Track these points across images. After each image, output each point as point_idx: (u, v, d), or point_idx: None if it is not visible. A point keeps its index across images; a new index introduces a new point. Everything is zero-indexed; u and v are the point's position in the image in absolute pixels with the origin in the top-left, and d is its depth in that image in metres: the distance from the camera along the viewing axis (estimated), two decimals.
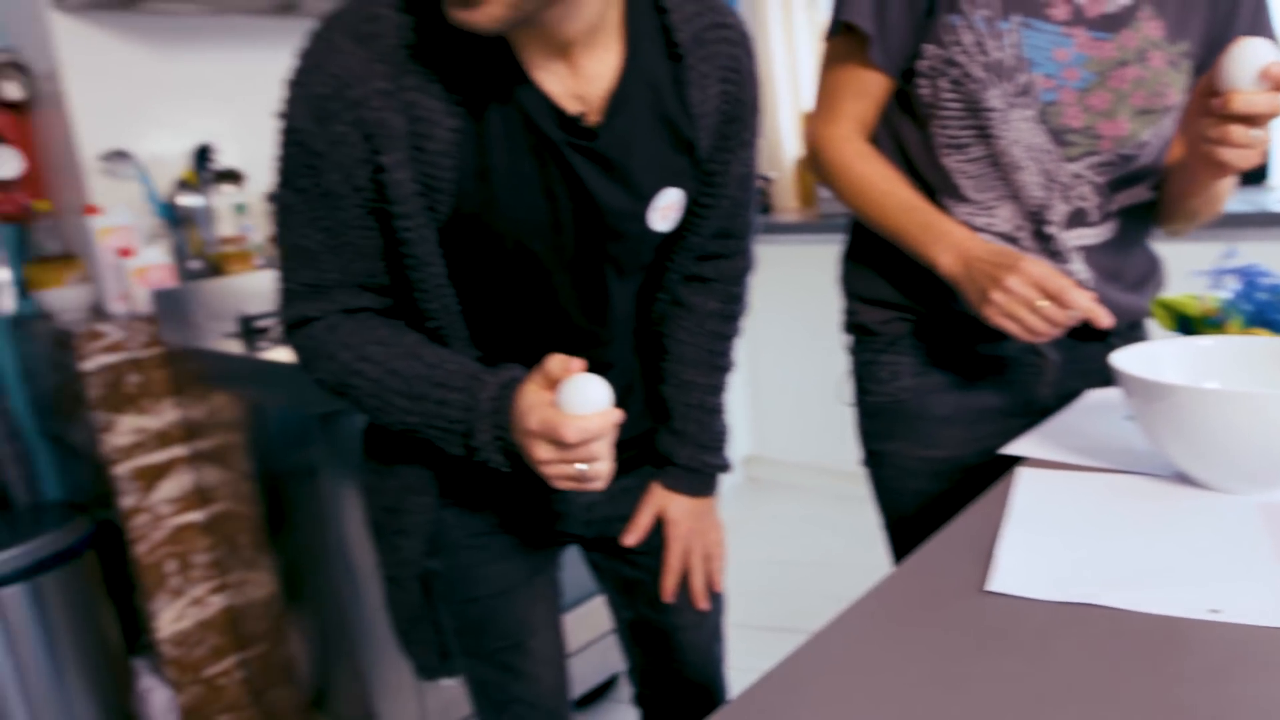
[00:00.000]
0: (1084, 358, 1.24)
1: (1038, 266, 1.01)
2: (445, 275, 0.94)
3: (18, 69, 2.14)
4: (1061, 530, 0.85)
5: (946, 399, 1.26)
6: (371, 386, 0.93)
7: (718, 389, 1.18)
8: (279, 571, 2.04)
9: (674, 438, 1.16)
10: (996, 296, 1.02)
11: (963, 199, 1.19)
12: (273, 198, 0.95)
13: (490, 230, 0.92)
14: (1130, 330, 1.29)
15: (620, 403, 0.89)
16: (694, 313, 1.15)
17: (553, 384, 0.86)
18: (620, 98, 0.91)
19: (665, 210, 0.99)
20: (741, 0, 3.64)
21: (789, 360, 3.54)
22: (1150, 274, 1.29)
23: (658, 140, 0.96)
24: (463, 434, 0.91)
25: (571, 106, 0.89)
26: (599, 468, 0.87)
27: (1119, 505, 0.89)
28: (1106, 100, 1.14)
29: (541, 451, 0.85)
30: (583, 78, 0.90)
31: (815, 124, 1.25)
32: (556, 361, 0.86)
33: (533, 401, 0.86)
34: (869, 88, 1.20)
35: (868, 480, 1.38)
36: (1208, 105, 0.97)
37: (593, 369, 0.87)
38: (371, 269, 0.94)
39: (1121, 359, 0.96)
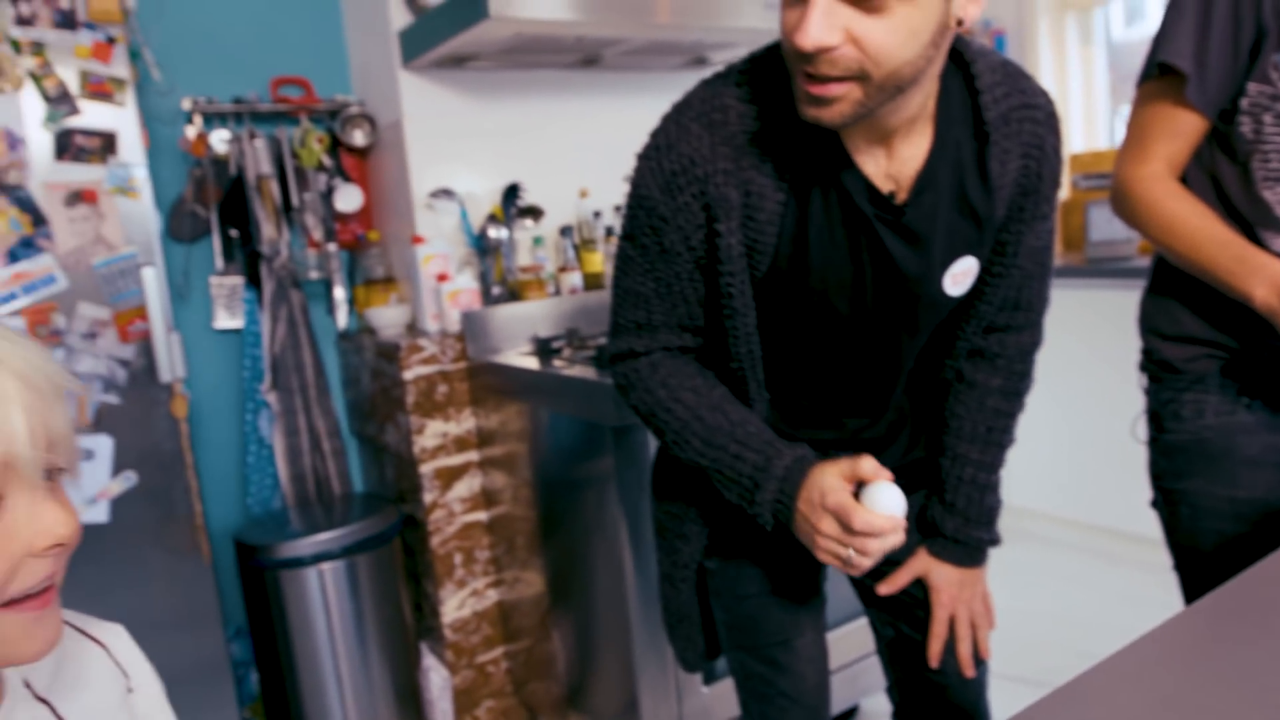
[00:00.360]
0: None
1: None
2: (755, 324, 1.06)
3: (366, 119, 2.50)
4: None
5: (1255, 439, 1.23)
6: (677, 424, 1.09)
7: (993, 465, 1.22)
8: (548, 572, 2.24)
9: (944, 510, 1.22)
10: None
11: None
12: (618, 248, 1.11)
13: (801, 287, 1.03)
14: None
15: (893, 436, 1.05)
16: (976, 389, 1.19)
17: (854, 479, 0.98)
18: (927, 177, 1.00)
19: (958, 276, 1.07)
20: (1010, 41, 3.59)
21: (1043, 407, 3.42)
22: None
23: (956, 212, 1.03)
24: (748, 488, 1.05)
25: (884, 186, 1.00)
26: (865, 561, 0.97)
27: None
28: None
29: (826, 526, 0.97)
30: (897, 160, 1.00)
31: (1125, 164, 1.26)
32: (869, 465, 0.98)
33: (834, 485, 0.98)
34: (1183, 128, 1.20)
35: (1160, 521, 1.36)
36: None
37: (871, 411, 0.97)
38: (693, 314, 1.09)
39: None
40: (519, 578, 2.36)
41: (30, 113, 1.71)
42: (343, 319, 2.55)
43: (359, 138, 2.52)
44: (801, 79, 0.89)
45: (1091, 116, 3.66)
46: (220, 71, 2.37)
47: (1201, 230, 1.16)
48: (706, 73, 2.52)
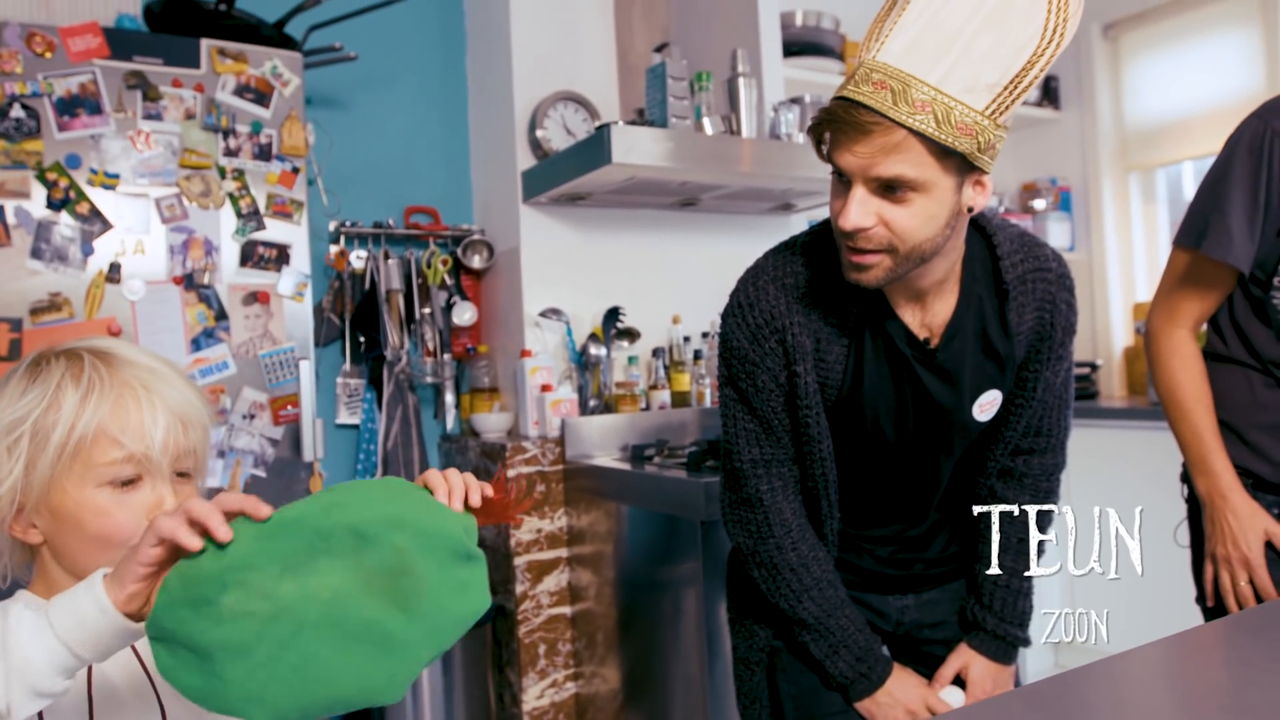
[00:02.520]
0: None
1: (1242, 549, 1.32)
2: (830, 449, 1.28)
3: (485, 245, 2.82)
4: None
5: None
6: (798, 587, 1.32)
7: (1024, 573, 1.39)
8: (624, 668, 2.38)
9: (983, 609, 1.40)
10: (1217, 551, 1.36)
11: None
12: (720, 396, 1.36)
13: (857, 415, 1.27)
14: None
15: (933, 535, 1.32)
16: (1006, 503, 1.38)
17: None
18: (955, 326, 1.24)
19: (985, 405, 1.29)
20: (1075, 198, 3.84)
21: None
22: None
23: (981, 354, 1.26)
24: (829, 658, 1.33)
25: (921, 334, 1.24)
26: None
27: None
28: None
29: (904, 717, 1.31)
30: (930, 313, 1.24)
31: (1156, 317, 1.48)
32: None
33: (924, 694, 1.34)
34: (1213, 295, 1.42)
35: (1202, 615, 1.48)
36: None
37: (915, 517, 1.28)
38: (787, 445, 1.31)
39: None
40: (597, 672, 2.50)
41: (226, 226, 2.04)
42: (450, 422, 2.80)
43: (477, 261, 2.83)
44: (845, 250, 1.14)
45: (1154, 269, 3.85)
46: (368, 198, 2.72)
47: (1189, 413, 1.44)
48: (792, 217, 2.81)
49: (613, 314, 2.67)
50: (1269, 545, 1.36)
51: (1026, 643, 1.40)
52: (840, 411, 1.27)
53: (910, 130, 1.02)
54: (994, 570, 1.38)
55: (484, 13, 2.86)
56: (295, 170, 2.12)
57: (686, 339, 2.79)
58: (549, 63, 2.74)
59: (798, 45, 3.18)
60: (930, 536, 1.41)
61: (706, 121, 2.44)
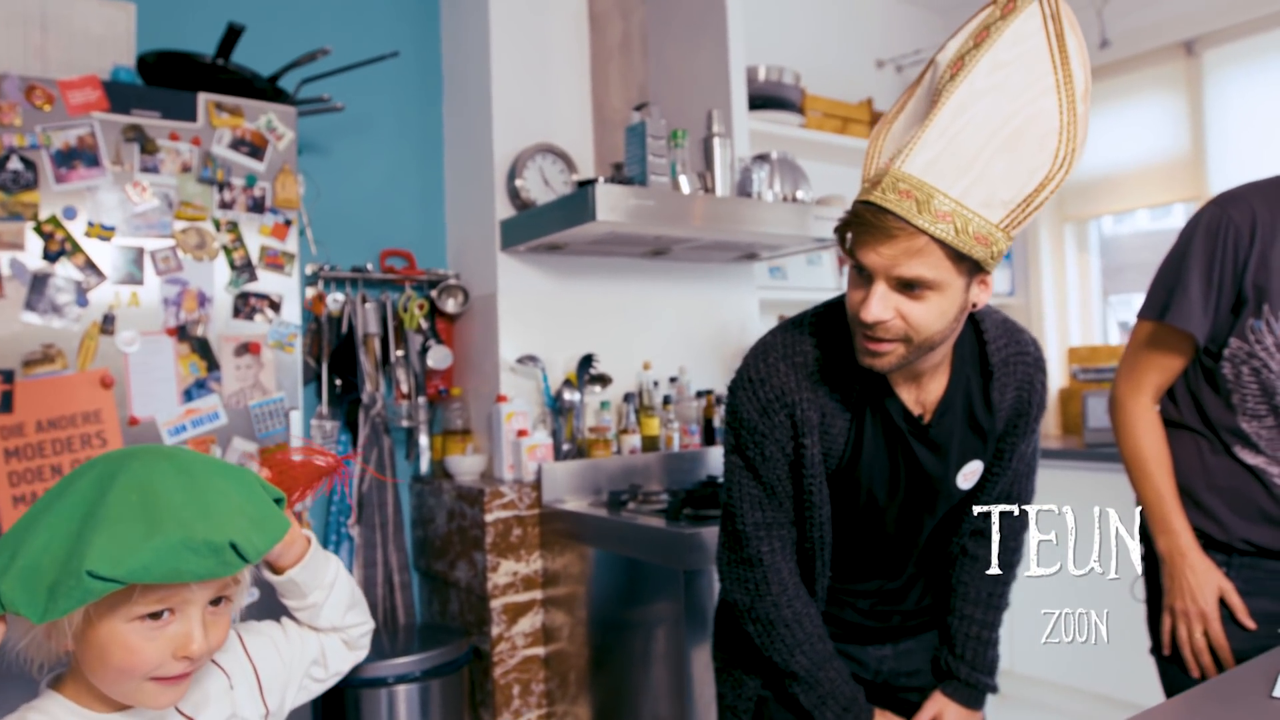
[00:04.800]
0: None
1: (1200, 604, 1.48)
2: (829, 514, 1.37)
3: (461, 290, 2.88)
4: None
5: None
6: (791, 642, 1.41)
7: (993, 624, 1.52)
8: (594, 707, 2.44)
9: (955, 659, 1.51)
10: (1176, 604, 1.49)
11: (1258, 452, 1.49)
12: (726, 462, 1.44)
13: (855, 483, 1.37)
14: None
15: (909, 589, 1.45)
16: (978, 562, 1.52)
17: None
18: (946, 403, 1.36)
19: (968, 474, 1.41)
20: (1015, 249, 4.05)
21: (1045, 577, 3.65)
22: None
23: (967, 429, 1.38)
24: (818, 708, 1.41)
25: (915, 410, 1.35)
26: None
27: None
28: None
29: None
30: (924, 391, 1.36)
31: (1122, 386, 1.62)
32: None
33: None
34: (1173, 367, 1.56)
35: (1156, 667, 1.62)
36: None
37: (894, 572, 1.41)
38: (789, 510, 1.40)
39: None
40: (569, 711, 2.55)
41: (219, 278, 2.07)
42: (424, 463, 2.84)
43: (452, 305, 2.88)
44: (861, 338, 1.25)
45: (1088, 315, 4.09)
46: (345, 242, 2.75)
47: (1151, 476, 1.58)
48: (755, 266, 2.92)
49: (586, 360, 2.75)
50: (1221, 601, 1.50)
51: (994, 690, 1.52)
52: (839, 480, 1.37)
53: (932, 237, 1.13)
54: (994, 570, 1.50)
55: (462, 65, 2.93)
56: (288, 223, 2.15)
57: (655, 383, 2.88)
58: (526, 115, 2.82)
59: (761, 99, 3.32)
60: (907, 590, 1.52)
61: (683, 179, 2.54)
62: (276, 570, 1.05)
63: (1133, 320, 1.65)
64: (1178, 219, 3.89)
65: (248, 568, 0.92)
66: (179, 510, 0.86)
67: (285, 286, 2.15)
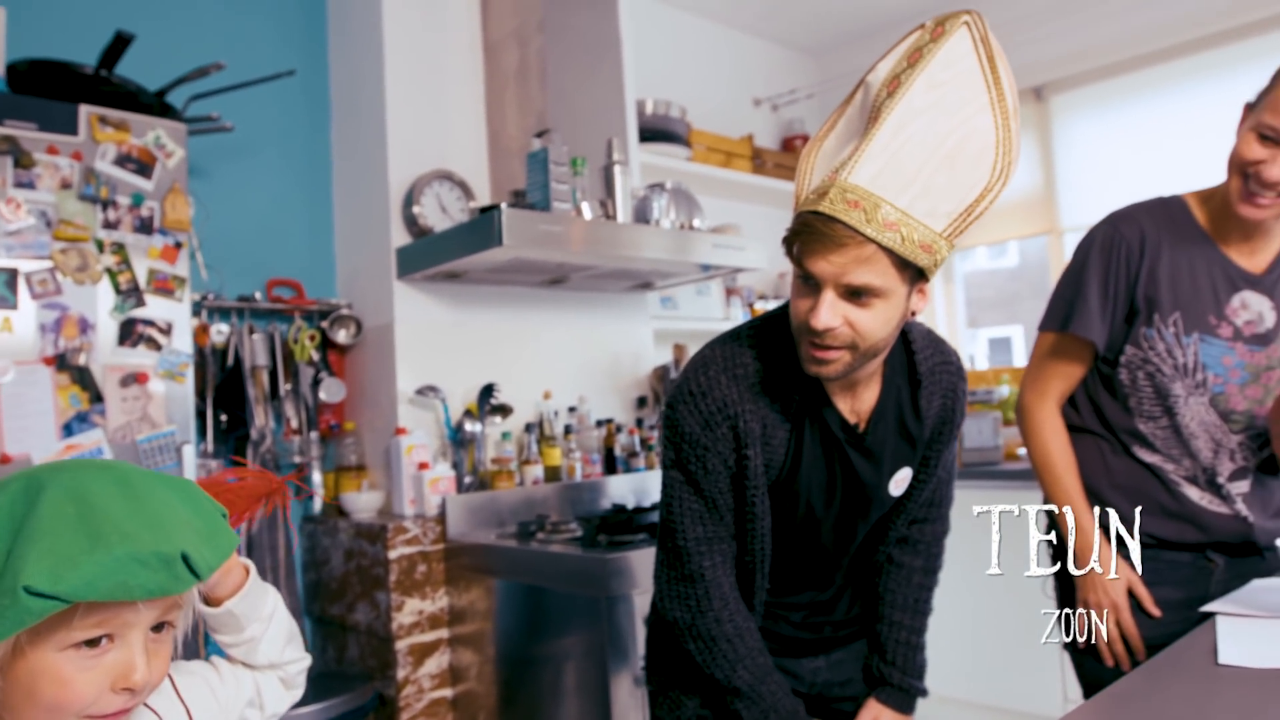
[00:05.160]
0: (1242, 568, 1.60)
1: (1112, 596, 1.56)
2: (769, 526, 1.39)
3: (353, 320, 2.77)
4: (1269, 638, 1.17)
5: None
6: (733, 657, 1.39)
7: (920, 629, 1.57)
8: None
9: (886, 665, 1.55)
10: (1089, 598, 1.56)
11: (1154, 451, 1.60)
12: (664, 478, 1.43)
13: (795, 494, 1.40)
14: (1273, 548, 1.65)
15: (838, 599, 1.48)
16: (904, 569, 1.56)
17: None
18: (879, 413, 1.41)
19: (899, 481, 1.46)
20: None
21: (949, 598, 3.78)
22: None
23: (898, 436, 1.43)
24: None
25: (851, 419, 1.40)
26: None
27: None
28: (1259, 392, 1.56)
29: None
30: (859, 401, 1.40)
31: (1028, 393, 1.71)
32: None
33: None
34: (1075, 374, 1.66)
35: (1070, 658, 1.70)
36: None
37: (824, 584, 1.45)
38: (729, 523, 1.41)
39: None
40: None
41: (103, 303, 1.91)
42: (318, 503, 2.70)
43: (343, 336, 2.77)
44: (808, 347, 1.28)
45: (954, 340, 4.32)
46: (230, 270, 2.61)
47: (1060, 479, 1.65)
48: (648, 295, 2.95)
49: (488, 390, 2.69)
50: (1129, 592, 1.59)
51: (925, 693, 1.56)
52: (778, 491, 1.39)
53: (880, 245, 1.17)
54: (895, 628, 1.54)
55: (352, 89, 2.86)
56: (178, 245, 2.02)
57: (556, 413, 2.85)
58: (421, 142, 2.76)
59: (649, 132, 3.37)
60: (836, 600, 1.55)
61: (585, 206, 2.54)
62: (212, 602, 0.96)
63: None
64: (1012, 259, 4.17)
65: (193, 590, 0.83)
66: (121, 522, 0.76)
67: (176, 313, 2.01)
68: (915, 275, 1.24)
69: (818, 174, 1.30)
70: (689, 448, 1.38)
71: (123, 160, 1.94)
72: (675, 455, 1.40)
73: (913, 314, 1.29)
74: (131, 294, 1.94)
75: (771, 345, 1.39)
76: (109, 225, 1.92)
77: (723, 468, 1.37)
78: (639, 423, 3.09)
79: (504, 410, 2.74)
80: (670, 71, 3.79)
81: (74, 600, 0.72)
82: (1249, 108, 1.52)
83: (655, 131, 3.41)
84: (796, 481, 1.38)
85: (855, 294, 1.21)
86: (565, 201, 2.50)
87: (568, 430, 2.85)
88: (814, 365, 1.28)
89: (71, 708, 0.76)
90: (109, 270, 1.92)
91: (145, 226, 1.97)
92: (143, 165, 1.97)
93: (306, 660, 1.08)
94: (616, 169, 2.65)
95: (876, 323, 1.23)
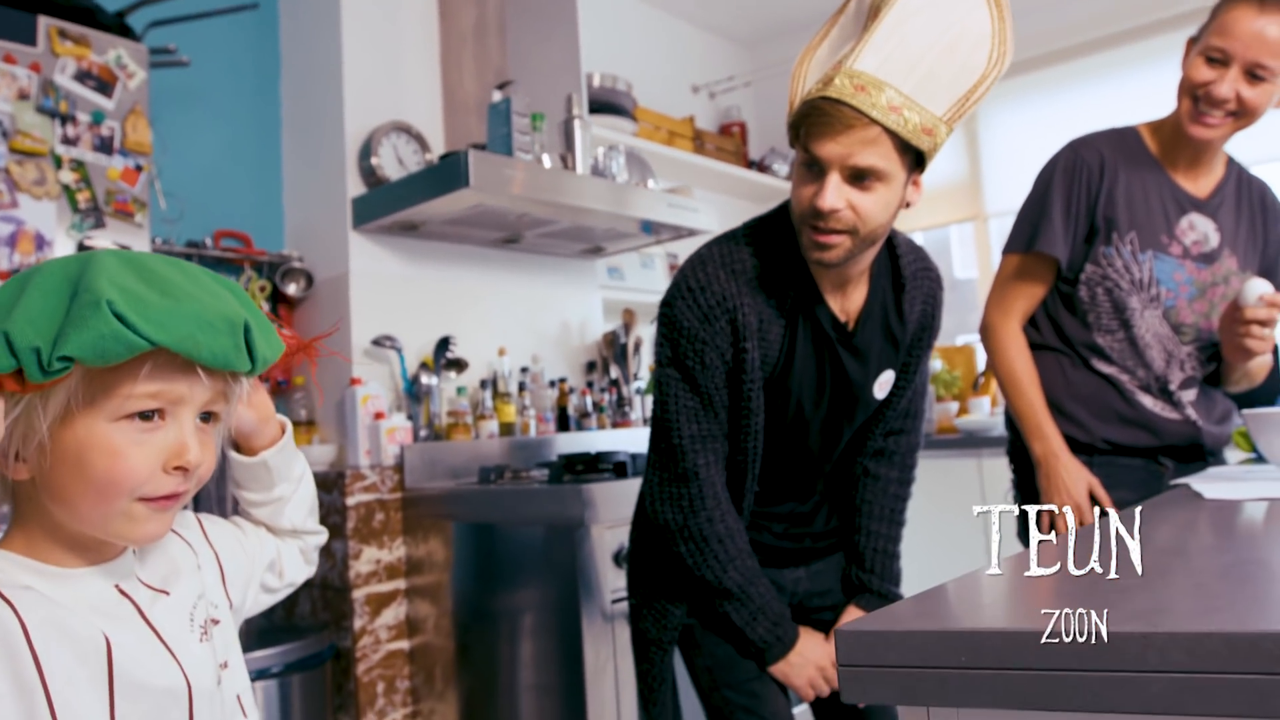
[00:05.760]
0: (1189, 471, 1.71)
1: (1076, 497, 1.64)
2: (763, 422, 1.43)
3: (303, 273, 2.72)
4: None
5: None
6: (724, 557, 1.43)
7: (896, 538, 1.63)
8: (461, 704, 2.33)
9: (865, 573, 1.60)
10: (1055, 500, 1.66)
11: (1111, 362, 1.70)
12: (658, 376, 1.45)
13: (787, 391, 1.44)
14: (1216, 453, 1.76)
15: (817, 511, 1.53)
16: (880, 480, 1.62)
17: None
18: (867, 311, 1.46)
19: (883, 384, 1.52)
20: None
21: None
22: (1228, 414, 1.78)
23: (883, 338, 1.49)
24: (749, 625, 1.44)
25: (841, 317, 1.45)
26: (824, 690, 1.47)
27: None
28: (1205, 306, 1.68)
29: (815, 674, 1.46)
30: (849, 301, 1.45)
31: (992, 311, 1.79)
32: None
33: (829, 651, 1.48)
34: (1037, 292, 1.76)
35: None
36: (1235, 315, 1.53)
37: (804, 495, 1.51)
38: (724, 420, 1.43)
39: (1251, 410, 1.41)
40: (435, 709, 2.42)
41: (61, 219, 1.84)
42: None
43: (293, 289, 2.71)
44: (809, 232, 1.32)
45: None
46: (175, 218, 2.53)
47: (1025, 391, 1.73)
48: (598, 261, 2.99)
49: (444, 343, 2.67)
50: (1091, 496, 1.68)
51: (901, 597, 1.62)
52: (771, 389, 1.43)
53: (884, 128, 1.22)
54: (872, 537, 1.59)
55: (304, 39, 2.81)
56: (139, 168, 1.96)
57: (510, 372, 2.84)
58: (377, 94, 2.74)
59: (596, 104, 3.41)
60: (815, 513, 1.60)
61: (545, 157, 2.56)
62: (246, 451, 0.93)
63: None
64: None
65: (242, 385, 0.80)
66: (181, 285, 0.73)
67: (135, 239, 1.95)
68: (914, 163, 1.30)
69: (812, 77, 1.35)
70: (686, 343, 1.40)
71: (83, 76, 1.88)
72: (672, 352, 1.43)
73: (907, 205, 1.35)
74: (91, 213, 1.87)
75: (768, 243, 1.43)
76: (68, 141, 1.85)
77: (719, 362, 1.40)
78: (589, 385, 3.10)
79: (459, 365, 2.72)
80: (614, 55, 3.84)
81: (149, 338, 0.68)
82: (1192, 41, 1.64)
83: (603, 104, 3.44)
84: (789, 378, 1.42)
85: (858, 177, 1.26)
86: (527, 152, 2.52)
87: (521, 388, 2.84)
88: (816, 251, 1.32)
89: (125, 483, 0.72)
90: (67, 187, 1.84)
91: (105, 146, 1.90)
92: (103, 83, 1.91)
93: (324, 534, 1.05)
94: (576, 123, 2.67)
95: (877, 206, 1.28)
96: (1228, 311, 1.58)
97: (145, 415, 0.73)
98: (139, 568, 0.82)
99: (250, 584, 0.97)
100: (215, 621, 0.87)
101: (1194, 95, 1.60)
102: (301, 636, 2.28)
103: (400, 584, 2.45)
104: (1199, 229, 1.69)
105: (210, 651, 0.83)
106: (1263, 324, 1.53)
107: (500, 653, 2.26)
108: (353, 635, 2.33)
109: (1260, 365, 1.74)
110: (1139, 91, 3.60)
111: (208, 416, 0.78)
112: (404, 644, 2.45)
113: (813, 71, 1.37)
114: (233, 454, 0.94)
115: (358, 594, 2.35)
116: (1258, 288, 1.52)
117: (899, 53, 1.24)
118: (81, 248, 1.88)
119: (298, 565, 1.03)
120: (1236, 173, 1.76)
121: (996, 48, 1.26)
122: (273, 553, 1.00)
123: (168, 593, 0.82)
